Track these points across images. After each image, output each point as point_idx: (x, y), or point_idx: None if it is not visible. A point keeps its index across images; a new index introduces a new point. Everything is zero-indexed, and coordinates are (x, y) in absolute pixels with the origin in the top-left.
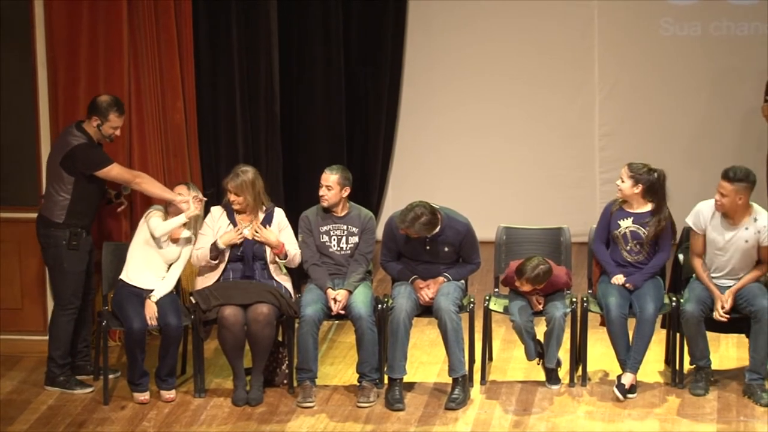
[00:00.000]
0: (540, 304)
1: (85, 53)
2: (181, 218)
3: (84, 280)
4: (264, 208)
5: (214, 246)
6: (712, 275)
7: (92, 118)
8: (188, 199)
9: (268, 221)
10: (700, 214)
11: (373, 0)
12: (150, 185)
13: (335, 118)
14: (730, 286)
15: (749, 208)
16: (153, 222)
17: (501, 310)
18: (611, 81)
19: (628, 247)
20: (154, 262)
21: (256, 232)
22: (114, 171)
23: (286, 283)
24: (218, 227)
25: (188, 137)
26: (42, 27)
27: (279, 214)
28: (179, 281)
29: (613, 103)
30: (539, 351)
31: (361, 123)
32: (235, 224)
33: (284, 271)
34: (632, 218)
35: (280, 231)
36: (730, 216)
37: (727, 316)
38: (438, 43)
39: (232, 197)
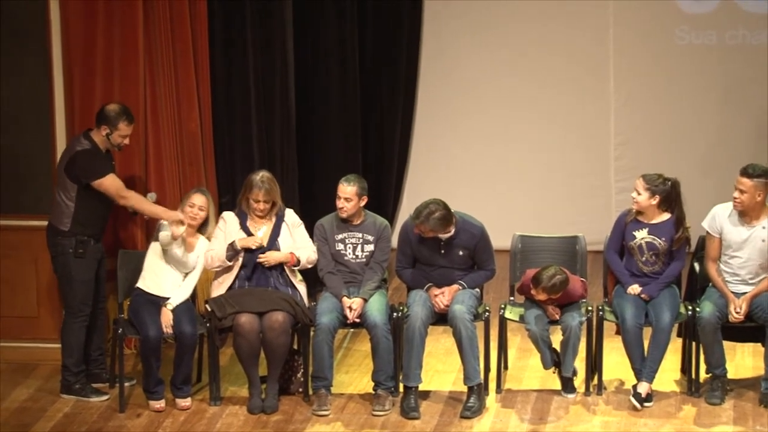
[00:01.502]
0: (556, 313)
1: (101, 61)
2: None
3: (93, 287)
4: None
5: (231, 246)
6: (728, 281)
7: (101, 127)
8: (180, 217)
9: (279, 223)
10: (715, 216)
11: (387, 8)
12: (137, 203)
13: (350, 127)
14: (745, 293)
15: (765, 207)
16: (161, 235)
17: (516, 319)
18: (627, 89)
19: (644, 258)
20: (169, 270)
21: (265, 259)
22: (105, 183)
23: (301, 288)
24: (230, 231)
25: (203, 145)
26: (58, 35)
27: (290, 214)
28: (194, 289)
29: (628, 111)
30: (555, 360)
31: (376, 131)
32: (246, 231)
33: (299, 276)
34: (647, 229)
35: (293, 231)
36: (748, 213)
37: (742, 317)
38: (453, 51)
39: (261, 206)
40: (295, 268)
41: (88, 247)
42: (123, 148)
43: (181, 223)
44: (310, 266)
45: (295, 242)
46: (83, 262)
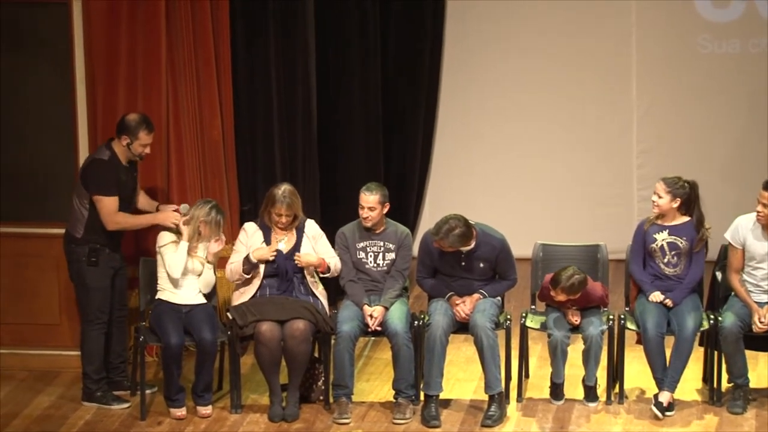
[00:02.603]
0: (575, 318)
1: (124, 70)
2: (184, 246)
3: (110, 295)
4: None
5: (246, 259)
6: (750, 291)
7: (122, 137)
8: (175, 218)
9: (300, 234)
10: (738, 228)
11: (410, 17)
12: (126, 224)
13: (372, 135)
14: None
15: None
16: (168, 259)
17: (537, 327)
18: (649, 98)
19: (666, 260)
20: (185, 279)
21: (297, 259)
22: (103, 202)
23: (322, 297)
24: (251, 244)
25: (225, 154)
26: (81, 44)
27: (311, 225)
28: (216, 297)
29: (650, 120)
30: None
31: (398, 140)
32: (269, 243)
33: (320, 285)
34: (668, 230)
35: (315, 242)
36: None
37: (766, 326)
38: (475, 61)
39: (283, 219)
40: (326, 275)
41: (101, 256)
42: (144, 158)
43: (175, 225)
44: (336, 275)
45: (318, 253)
46: (97, 270)
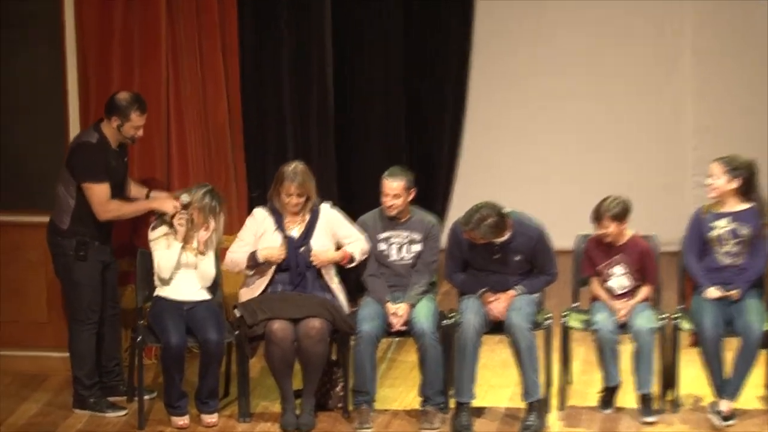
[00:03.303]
0: (624, 311)
1: (119, 46)
2: (177, 246)
3: (100, 291)
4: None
5: (252, 256)
6: None
7: (111, 118)
8: (172, 204)
9: (313, 221)
10: None
11: None
12: (119, 212)
13: (394, 114)
14: None
15: None
16: (158, 256)
17: (581, 327)
18: (705, 74)
19: (725, 250)
20: (186, 273)
21: (315, 259)
22: (93, 190)
23: (340, 293)
24: (262, 231)
25: (232, 137)
26: (71, 16)
27: (326, 210)
28: (221, 293)
29: (707, 97)
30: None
31: (423, 119)
32: (283, 230)
33: (337, 279)
34: (729, 217)
35: (332, 226)
36: None
37: None
38: (509, 33)
39: (294, 200)
40: (352, 264)
41: (90, 249)
42: (137, 141)
43: (174, 208)
44: (365, 257)
45: (339, 238)
46: (85, 264)
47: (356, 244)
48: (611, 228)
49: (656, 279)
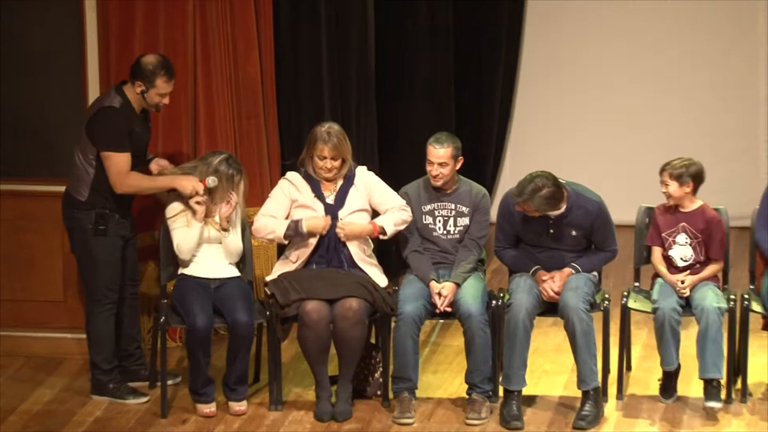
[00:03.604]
0: (686, 284)
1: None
2: (197, 227)
3: (120, 269)
4: None
5: (294, 226)
6: None
7: (136, 82)
8: (194, 185)
9: (347, 186)
10: None
11: None
12: (138, 185)
13: (441, 75)
14: None
15: None
16: (177, 236)
17: (642, 309)
18: None
19: None
20: (212, 249)
21: (340, 231)
22: (112, 159)
23: (378, 271)
24: (297, 197)
25: (264, 95)
26: None
27: (362, 173)
28: (252, 270)
29: None
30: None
31: (472, 81)
32: (321, 199)
33: (373, 258)
34: None
35: (368, 191)
36: None
37: None
38: None
39: (328, 163)
40: (385, 237)
41: (110, 223)
42: (161, 109)
43: (198, 194)
44: (403, 227)
45: (376, 205)
46: (105, 240)
47: (389, 215)
48: (671, 187)
49: (723, 254)
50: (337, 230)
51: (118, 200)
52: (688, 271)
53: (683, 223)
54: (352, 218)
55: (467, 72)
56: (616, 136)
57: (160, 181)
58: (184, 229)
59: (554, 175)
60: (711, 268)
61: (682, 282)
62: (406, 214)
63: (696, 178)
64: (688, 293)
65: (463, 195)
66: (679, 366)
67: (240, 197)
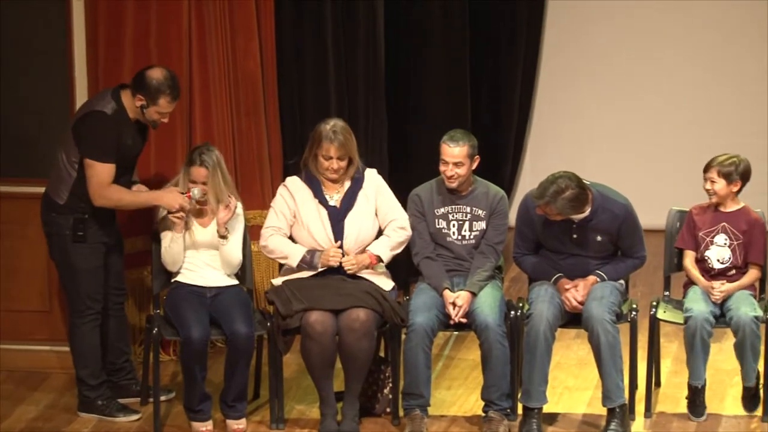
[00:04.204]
0: (721, 290)
1: None
2: (178, 239)
3: (102, 277)
4: None
5: (310, 258)
6: None
7: (137, 96)
8: (179, 202)
9: (355, 188)
10: None
11: None
12: (118, 199)
13: (457, 70)
14: None
15: None
16: (163, 245)
17: (673, 320)
18: None
19: None
20: (208, 255)
21: (347, 265)
22: (95, 169)
23: (387, 279)
24: (299, 203)
25: (265, 90)
26: None
27: (371, 176)
28: (252, 279)
29: None
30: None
31: (490, 77)
32: (323, 202)
33: (383, 266)
34: None
35: (376, 197)
36: None
37: None
38: None
39: (334, 164)
40: (381, 264)
41: (89, 229)
42: (158, 127)
43: (182, 210)
44: (401, 249)
45: (379, 215)
46: (85, 247)
47: (385, 240)
48: (718, 185)
49: (764, 259)
50: (346, 266)
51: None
52: (723, 280)
53: (724, 223)
54: (359, 223)
55: (485, 66)
56: (644, 134)
57: (142, 197)
58: (167, 239)
59: (578, 176)
60: (750, 275)
61: (719, 289)
62: (404, 235)
63: (744, 176)
64: (720, 300)
65: (479, 197)
66: (705, 381)
67: (220, 189)
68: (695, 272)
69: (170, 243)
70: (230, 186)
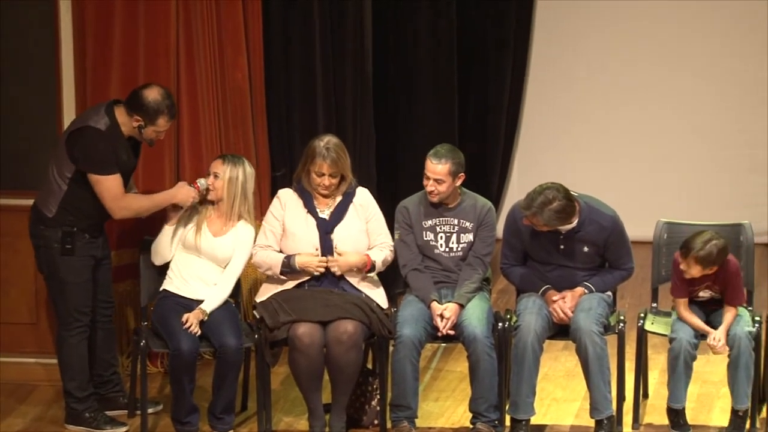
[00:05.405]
0: (720, 344)
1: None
2: (168, 232)
3: (90, 290)
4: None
5: (286, 262)
6: None
7: (133, 116)
8: (192, 195)
9: (346, 203)
10: None
11: None
12: (136, 207)
13: (444, 81)
14: None
15: None
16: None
17: (660, 332)
18: None
19: None
20: (201, 264)
21: (334, 265)
22: (104, 184)
23: (377, 291)
24: (289, 214)
25: (253, 103)
26: None
27: (362, 194)
28: (239, 289)
29: None
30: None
31: (477, 87)
32: (314, 214)
33: (375, 276)
34: None
35: (365, 214)
36: None
37: None
38: None
39: (326, 180)
40: (370, 275)
41: (78, 242)
42: (154, 145)
43: (192, 199)
44: (384, 269)
45: (368, 232)
46: (73, 260)
47: (379, 252)
48: (693, 270)
49: (743, 298)
50: (330, 264)
51: (88, 219)
52: (721, 331)
53: (707, 282)
54: (348, 235)
55: (472, 76)
56: (632, 146)
57: (158, 199)
58: (165, 234)
59: (566, 187)
60: (730, 315)
61: (717, 340)
62: (391, 256)
63: (719, 258)
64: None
65: (466, 209)
66: (684, 405)
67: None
68: (695, 320)
69: (161, 236)
70: (248, 207)
